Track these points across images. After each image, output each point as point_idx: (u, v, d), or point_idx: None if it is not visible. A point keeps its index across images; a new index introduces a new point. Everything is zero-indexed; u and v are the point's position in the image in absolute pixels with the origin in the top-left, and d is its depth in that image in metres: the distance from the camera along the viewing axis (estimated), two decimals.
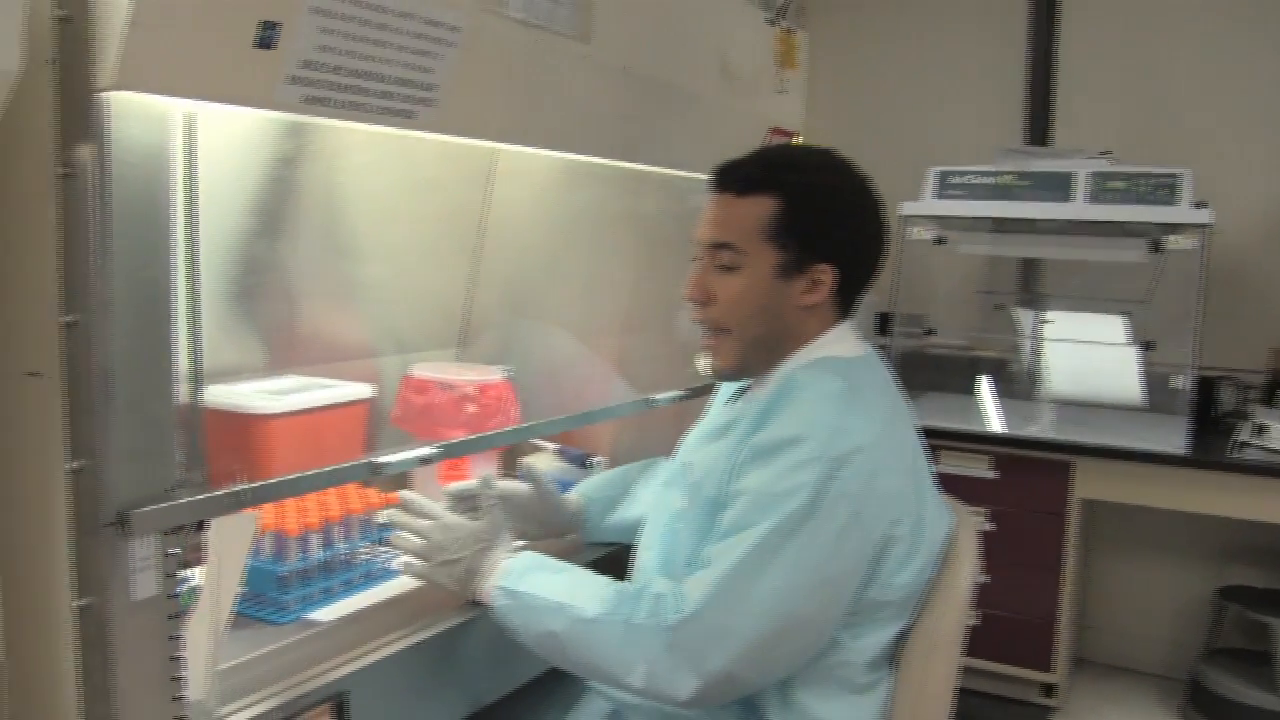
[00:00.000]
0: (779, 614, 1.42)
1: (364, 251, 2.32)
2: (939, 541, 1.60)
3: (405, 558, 1.64)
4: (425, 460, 1.64)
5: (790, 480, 1.43)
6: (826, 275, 1.56)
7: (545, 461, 2.38)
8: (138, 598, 1.22)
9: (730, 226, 1.59)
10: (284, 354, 2.23)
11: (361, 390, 2.12)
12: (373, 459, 1.53)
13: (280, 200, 2.05)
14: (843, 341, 1.62)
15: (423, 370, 2.37)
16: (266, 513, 1.75)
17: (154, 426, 1.22)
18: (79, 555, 1.20)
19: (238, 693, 1.40)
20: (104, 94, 1.12)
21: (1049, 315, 3.98)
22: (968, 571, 1.61)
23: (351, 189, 2.22)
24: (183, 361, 1.30)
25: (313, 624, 1.69)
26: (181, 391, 1.27)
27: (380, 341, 2.48)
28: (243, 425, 1.87)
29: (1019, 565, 3.43)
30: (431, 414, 2.30)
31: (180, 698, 1.28)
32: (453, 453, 1.77)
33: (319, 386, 2.10)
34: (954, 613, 1.59)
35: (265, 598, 1.75)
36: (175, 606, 1.26)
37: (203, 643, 1.30)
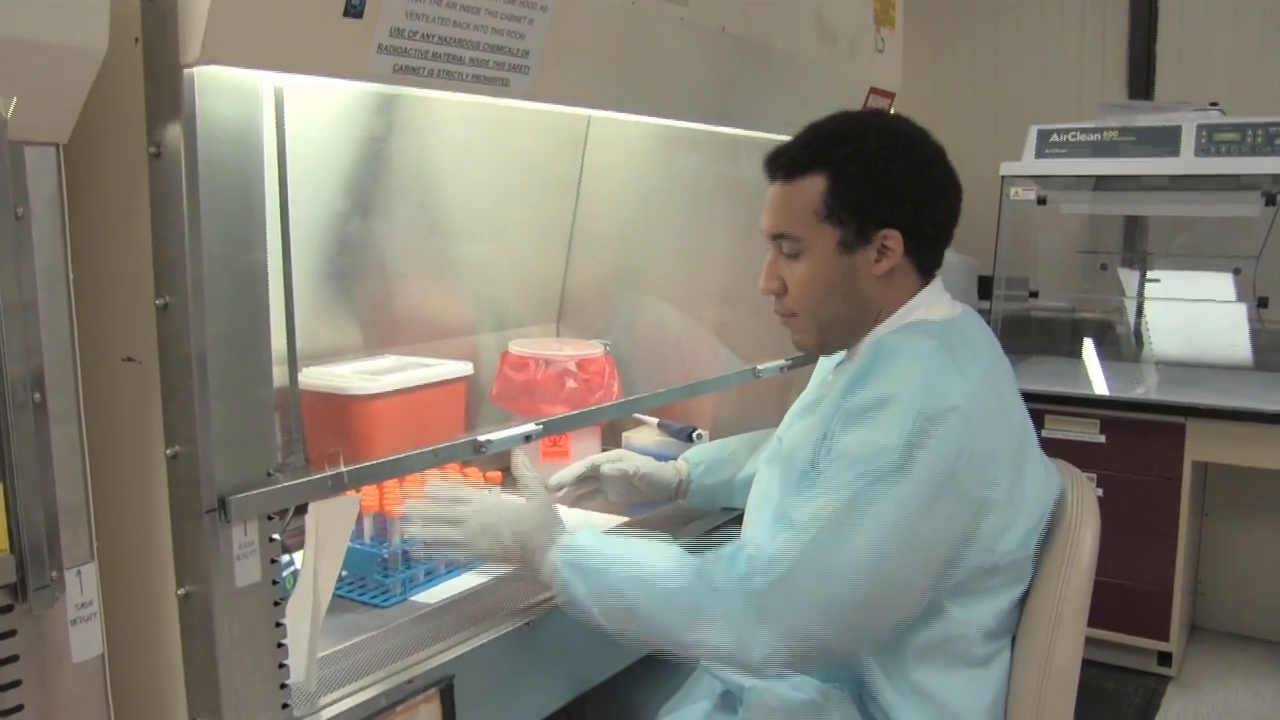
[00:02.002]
0: (869, 576, 1.36)
1: (459, 227, 2.30)
2: (1046, 505, 1.53)
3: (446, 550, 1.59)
4: (529, 437, 1.60)
5: (880, 439, 1.38)
6: (893, 240, 1.52)
7: (648, 436, 2.34)
8: (241, 584, 1.19)
9: (785, 214, 1.56)
10: (381, 333, 2.22)
11: (460, 368, 2.09)
12: (475, 437, 1.49)
13: (371, 177, 2.04)
14: (933, 304, 1.57)
15: (521, 346, 2.34)
16: (367, 494, 1.74)
17: (251, 410, 1.19)
18: (180, 543, 1.18)
19: (342, 679, 1.38)
20: (190, 70, 1.09)
21: (1154, 274, 3.85)
22: (1090, 539, 1.53)
23: (442, 164, 2.20)
24: (279, 343, 1.26)
25: (418, 607, 1.68)
26: (278, 373, 1.23)
27: (479, 318, 2.47)
28: (341, 406, 1.85)
29: (1131, 531, 3.32)
30: (531, 390, 2.28)
31: (285, 685, 1.25)
32: (554, 429, 1.73)
33: (417, 365, 2.08)
34: (1077, 582, 1.52)
35: (369, 581, 1.73)
36: (279, 592, 1.23)
37: (303, 628, 1.27)
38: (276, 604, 1.24)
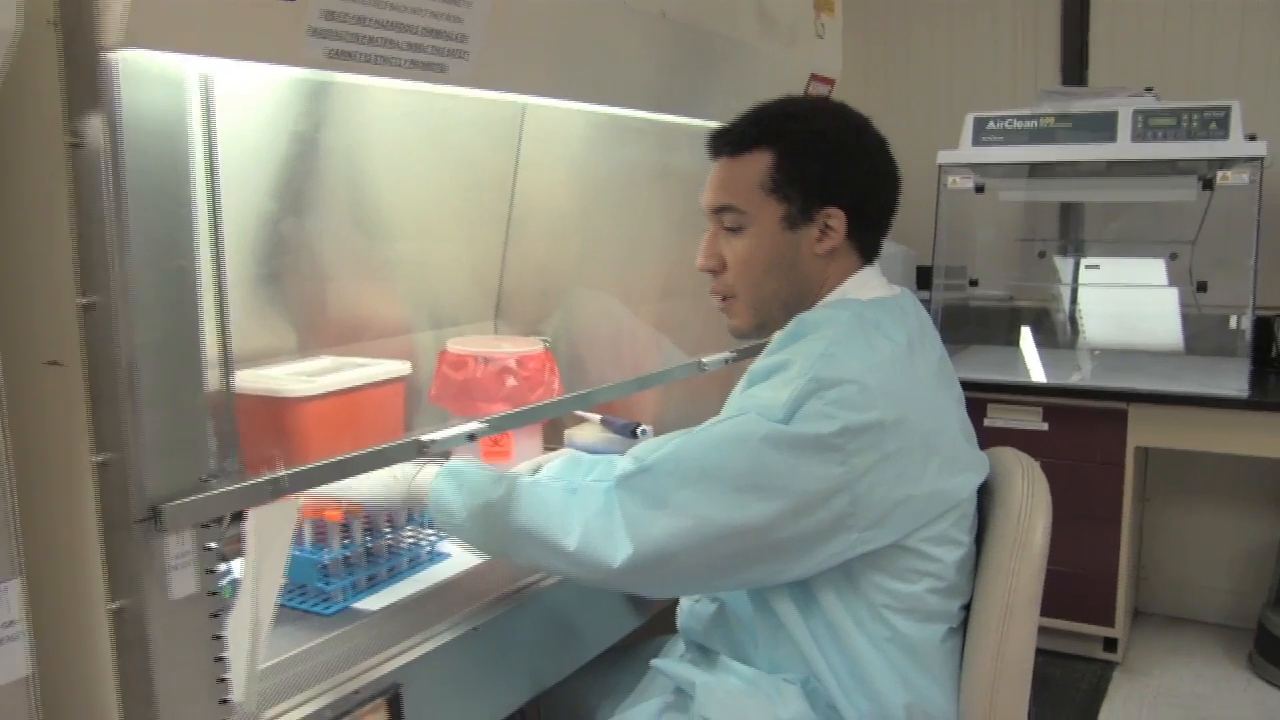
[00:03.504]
0: (725, 499, 1.36)
1: (393, 225, 2.25)
2: (959, 498, 1.47)
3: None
4: (472, 435, 1.55)
5: (769, 395, 1.39)
6: (837, 219, 1.51)
7: (590, 433, 2.30)
8: (176, 596, 1.13)
9: (730, 188, 1.55)
10: (316, 335, 2.17)
11: (398, 368, 2.03)
12: (418, 437, 1.44)
13: (302, 173, 1.98)
14: (866, 285, 1.55)
15: (460, 344, 2.29)
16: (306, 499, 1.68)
17: (183, 414, 1.13)
18: (111, 554, 1.11)
19: (284, 692, 1.33)
20: (112, 54, 1.03)
21: (1090, 260, 3.88)
22: (1042, 528, 1.51)
23: (375, 159, 2.14)
24: (211, 344, 1.20)
25: (360, 614, 1.63)
26: (211, 376, 1.17)
27: (415, 317, 2.42)
28: (277, 409, 1.79)
29: (1075, 518, 3.32)
30: (470, 389, 2.22)
31: (226, 700, 1.20)
32: (498, 427, 1.68)
33: (353, 366, 2.02)
34: (1028, 571, 1.49)
35: (309, 588, 1.68)
36: (216, 603, 1.18)
37: (244, 641, 1.21)
38: (214, 616, 1.18)
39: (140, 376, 1.08)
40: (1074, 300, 3.98)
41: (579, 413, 2.36)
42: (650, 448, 1.47)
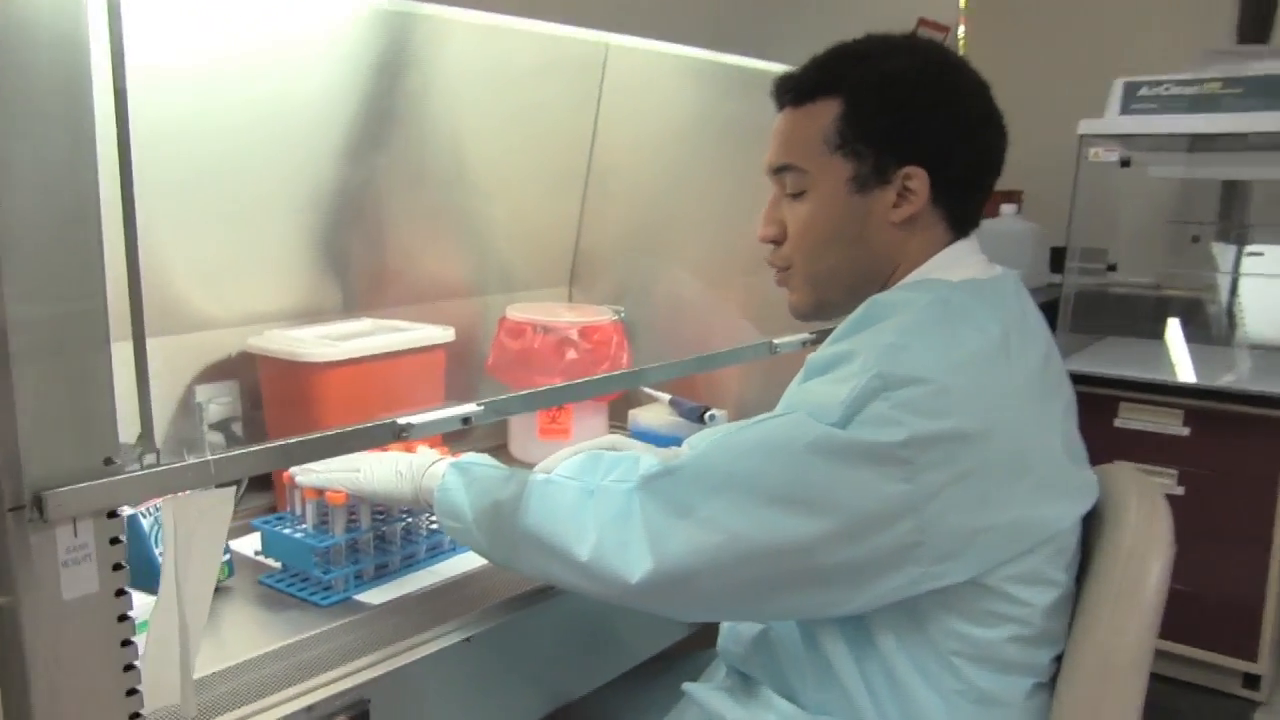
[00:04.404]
0: (759, 513, 1.11)
1: (459, 177, 2.06)
2: (1055, 530, 1.19)
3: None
4: (467, 419, 1.31)
5: (826, 392, 1.13)
6: (917, 181, 1.24)
7: (657, 414, 2.07)
8: (70, 596, 0.94)
9: (790, 144, 1.30)
10: (371, 293, 1.99)
11: (437, 334, 1.84)
12: (396, 419, 1.22)
13: (365, 117, 1.81)
14: (957, 263, 1.28)
15: (520, 311, 2.09)
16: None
17: (81, 382, 0.93)
18: None
19: (233, 701, 1.15)
20: None
21: (1253, 248, 3.49)
22: (1158, 572, 1.21)
23: (441, 103, 1.95)
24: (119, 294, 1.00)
25: (360, 607, 1.45)
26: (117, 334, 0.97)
27: (483, 279, 2.23)
28: (295, 374, 1.68)
29: (1216, 537, 2.98)
30: (528, 360, 2.02)
31: (138, 715, 1.00)
32: (498, 410, 1.40)
33: (392, 330, 1.83)
34: (1137, 627, 1.19)
35: (310, 576, 1.49)
36: (127, 604, 0.98)
37: (172, 646, 1.02)
38: (123, 619, 0.99)
39: (22, 337, 0.88)
40: (1233, 291, 3.60)
41: (647, 391, 2.14)
42: (693, 443, 1.24)
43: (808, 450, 1.10)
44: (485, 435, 2.15)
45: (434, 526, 1.61)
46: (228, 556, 1.50)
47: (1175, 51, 3.40)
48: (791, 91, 1.30)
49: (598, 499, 1.22)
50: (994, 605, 1.16)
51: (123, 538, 0.97)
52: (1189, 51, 3.26)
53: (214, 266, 1.73)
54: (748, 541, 1.12)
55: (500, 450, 2.12)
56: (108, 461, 0.95)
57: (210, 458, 1.00)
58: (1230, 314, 3.61)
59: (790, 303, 1.36)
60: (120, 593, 0.98)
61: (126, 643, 0.99)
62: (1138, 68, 3.28)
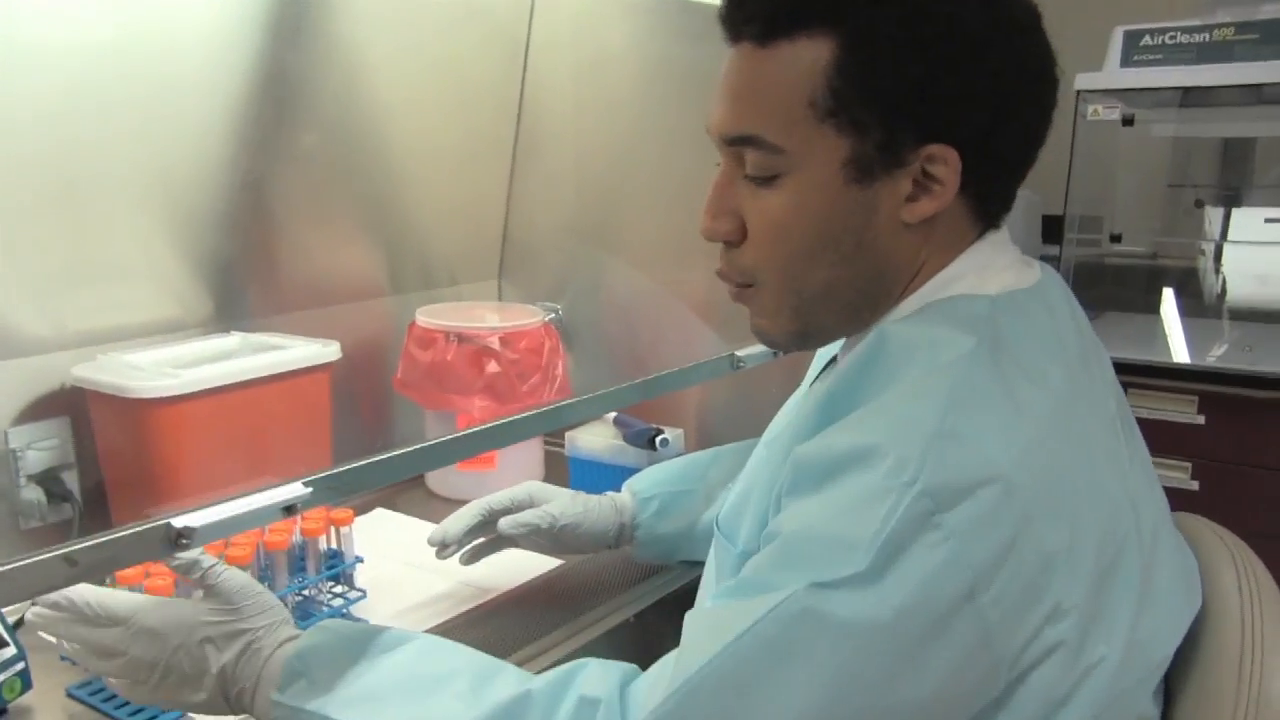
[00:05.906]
0: None
1: (369, 157, 1.78)
2: (1158, 657, 0.85)
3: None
4: (290, 508, 0.88)
5: (843, 527, 0.74)
6: (945, 165, 0.84)
7: (598, 436, 1.71)
8: None
9: (754, 104, 0.86)
10: (255, 299, 1.68)
11: (317, 352, 1.50)
12: (169, 520, 0.78)
13: (248, 87, 1.52)
14: (989, 267, 0.90)
15: (431, 315, 1.74)
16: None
17: None
18: None
19: None
20: None
21: (1251, 212, 3.19)
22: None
23: (347, 74, 1.67)
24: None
25: None
26: None
27: (396, 274, 1.92)
28: (128, 414, 1.28)
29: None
30: (439, 375, 1.68)
31: None
32: (339, 487, 0.95)
33: (264, 349, 1.48)
34: None
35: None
36: None
37: None
38: None
39: None
40: (1219, 259, 3.29)
41: None
42: (642, 696, 0.82)
43: (840, 643, 0.72)
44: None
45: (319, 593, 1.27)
46: (21, 665, 1.10)
47: None
48: (757, 20, 0.85)
49: None
50: None
51: None
52: None
53: (41, 273, 1.39)
54: None
55: (416, 484, 1.77)
56: None
57: None
58: (1225, 285, 3.31)
59: (757, 328, 0.96)
60: None
61: None
62: (1139, 14, 2.94)
